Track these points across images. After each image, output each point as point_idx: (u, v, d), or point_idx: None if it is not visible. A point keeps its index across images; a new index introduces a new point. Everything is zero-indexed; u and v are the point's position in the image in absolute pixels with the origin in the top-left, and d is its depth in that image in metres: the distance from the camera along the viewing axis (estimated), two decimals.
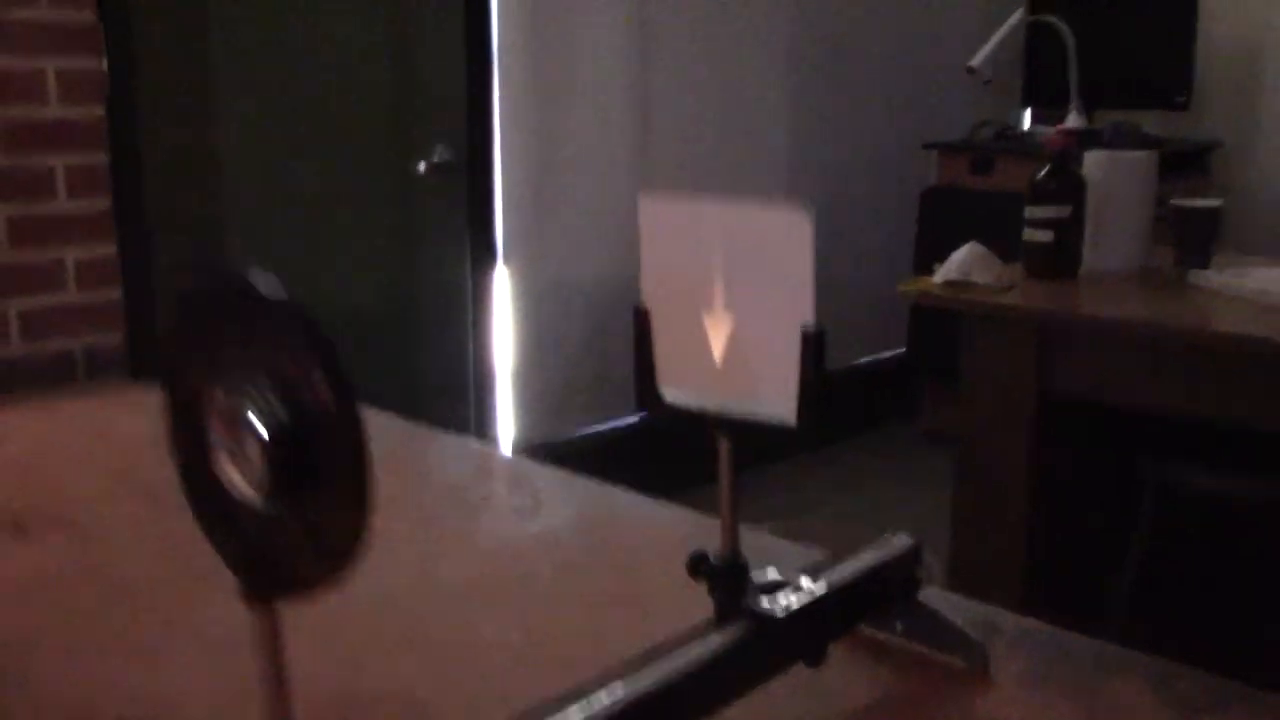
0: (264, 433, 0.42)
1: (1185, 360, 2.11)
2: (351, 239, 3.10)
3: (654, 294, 0.63)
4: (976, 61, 4.11)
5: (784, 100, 4.15)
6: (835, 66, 4.29)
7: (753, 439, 0.60)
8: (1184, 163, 4.31)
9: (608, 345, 3.65)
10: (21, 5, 2.40)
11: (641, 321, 0.64)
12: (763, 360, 0.60)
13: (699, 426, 0.63)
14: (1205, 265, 2.39)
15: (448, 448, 1.18)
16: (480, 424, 3.44)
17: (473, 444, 1.98)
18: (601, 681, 0.56)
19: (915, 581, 0.71)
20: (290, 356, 0.42)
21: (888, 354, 4.54)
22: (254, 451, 0.43)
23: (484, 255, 3.38)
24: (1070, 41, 4.08)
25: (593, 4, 3.56)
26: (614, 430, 3.66)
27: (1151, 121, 4.50)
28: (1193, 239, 2.41)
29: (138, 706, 0.69)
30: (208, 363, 0.44)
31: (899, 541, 0.71)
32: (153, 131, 2.70)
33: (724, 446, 0.63)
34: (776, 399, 0.60)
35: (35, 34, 2.43)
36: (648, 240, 0.62)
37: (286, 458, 0.42)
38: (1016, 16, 4.16)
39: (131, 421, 1.23)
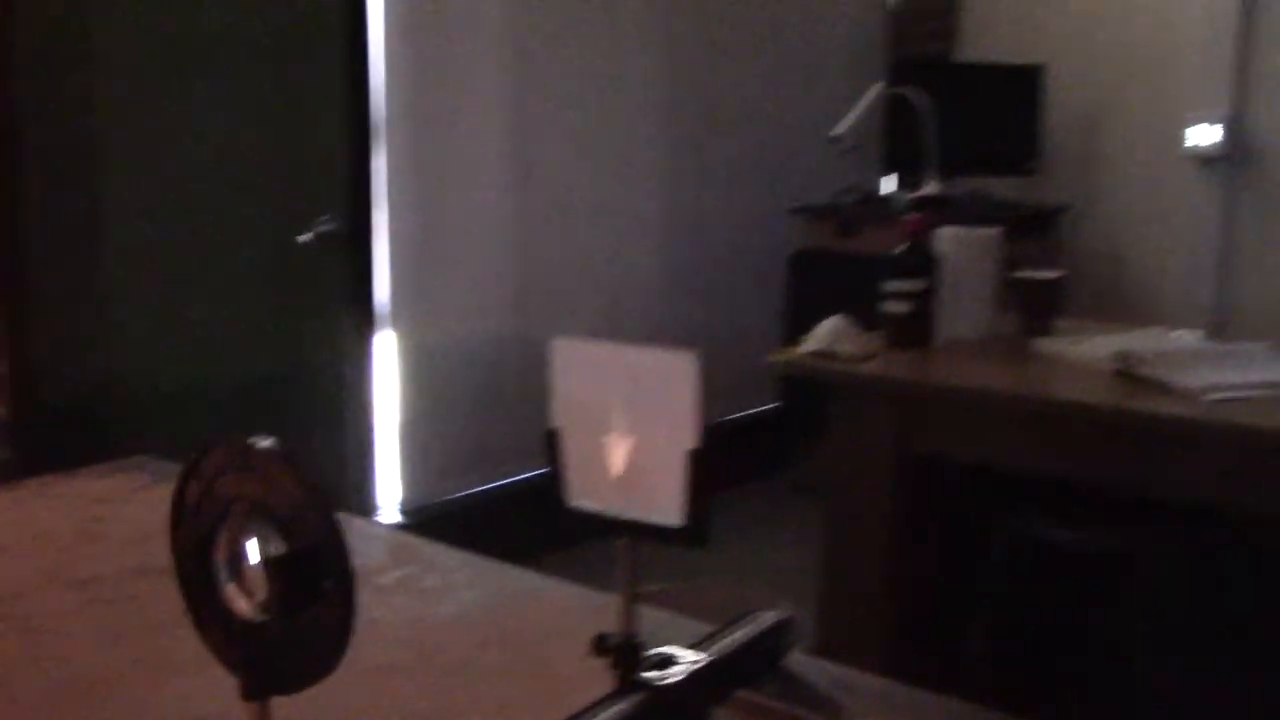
0: (264, 563, 0.53)
1: (1029, 422, 2.29)
2: (238, 307, 3.15)
3: (564, 418, 0.75)
4: (839, 130, 4.34)
5: (657, 167, 4.32)
6: (705, 135, 4.48)
7: (646, 538, 0.73)
8: (1033, 225, 4.59)
9: (492, 405, 3.74)
10: None
11: (553, 440, 0.76)
12: (655, 474, 0.72)
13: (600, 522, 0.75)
14: (1047, 332, 2.60)
15: (354, 529, 1.27)
16: (363, 488, 3.50)
17: (378, 527, 2.02)
18: None
19: (783, 650, 0.84)
20: (285, 498, 0.53)
21: (760, 409, 4.71)
22: (256, 579, 0.53)
23: (366, 321, 3.45)
24: (926, 112, 4.33)
25: (473, 80, 3.69)
26: (500, 489, 3.75)
27: (1004, 186, 4.79)
28: (1035, 308, 2.62)
29: None
30: (213, 508, 0.54)
31: (768, 617, 0.84)
32: (39, 201, 2.72)
33: (623, 545, 0.75)
34: (667, 506, 0.72)
35: None
36: (559, 374, 0.74)
37: (285, 583, 0.53)
38: (876, 89, 4.40)
39: (51, 515, 1.30)
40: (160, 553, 1.13)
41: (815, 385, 2.51)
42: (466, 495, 3.74)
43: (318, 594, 0.53)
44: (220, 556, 0.55)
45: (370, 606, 1.05)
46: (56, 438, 2.71)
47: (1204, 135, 4.62)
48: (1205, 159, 4.64)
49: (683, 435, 0.71)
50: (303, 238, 3.24)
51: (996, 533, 2.47)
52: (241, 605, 0.55)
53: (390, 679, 0.94)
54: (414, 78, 3.50)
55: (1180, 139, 4.67)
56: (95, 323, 2.89)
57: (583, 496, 0.75)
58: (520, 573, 1.12)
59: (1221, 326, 4.36)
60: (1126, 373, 2.27)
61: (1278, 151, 4.56)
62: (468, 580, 1.11)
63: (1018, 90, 4.75)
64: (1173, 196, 4.74)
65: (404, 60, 3.46)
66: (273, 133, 3.18)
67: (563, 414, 0.75)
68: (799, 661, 0.86)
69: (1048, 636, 2.53)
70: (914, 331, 2.51)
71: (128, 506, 1.31)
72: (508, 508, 3.46)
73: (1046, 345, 2.51)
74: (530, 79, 3.84)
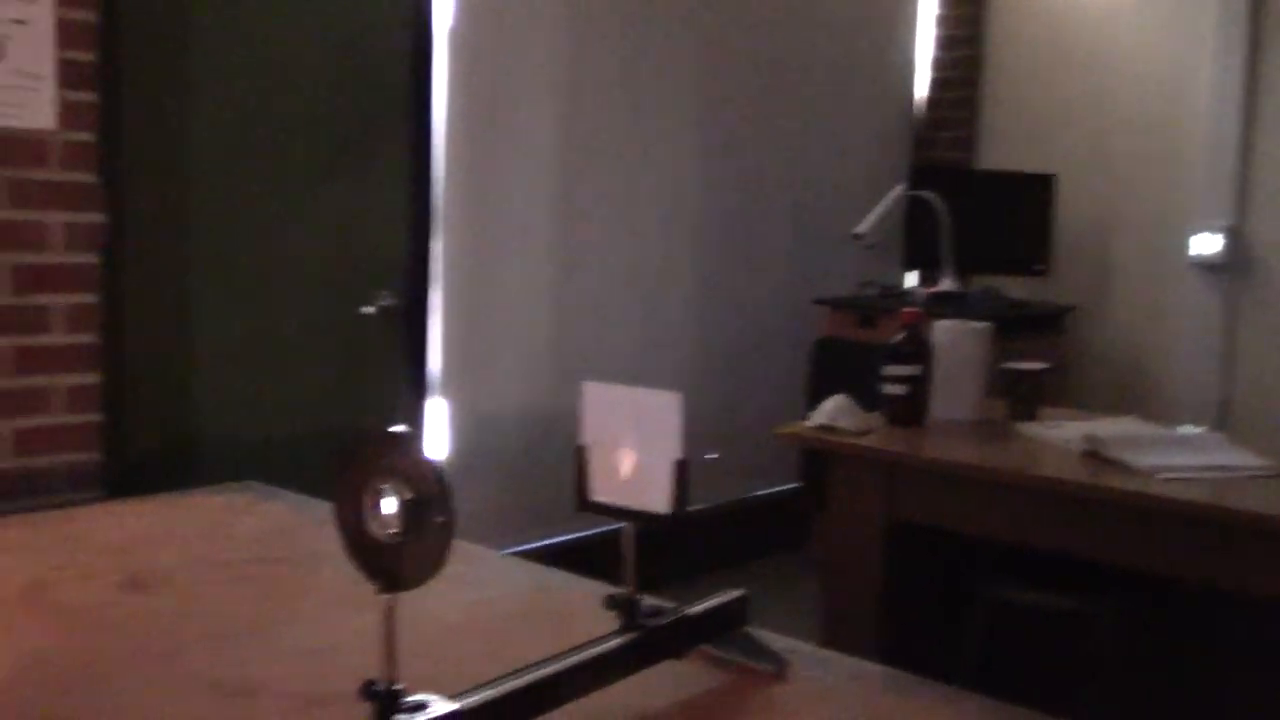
0: (398, 504, 0.85)
1: (1009, 496, 2.57)
2: (305, 372, 3.50)
3: (589, 438, 1.08)
4: (861, 228, 4.68)
5: (689, 261, 4.66)
6: (738, 229, 4.82)
7: (645, 525, 1.05)
8: (1042, 323, 4.89)
9: (534, 471, 4.06)
10: (33, 166, 2.80)
11: (581, 455, 1.08)
12: (652, 477, 1.04)
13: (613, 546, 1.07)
14: (1032, 418, 2.89)
15: None
16: None
17: None
18: (544, 661, 0.99)
19: (743, 617, 1.15)
20: (411, 462, 0.86)
21: (782, 488, 4.99)
22: (391, 513, 0.86)
23: (419, 389, 3.80)
24: (943, 214, 4.66)
25: (524, 171, 4.06)
26: (541, 549, 4.04)
27: (1016, 285, 5.09)
28: (1021, 395, 2.92)
29: (231, 685, 1.09)
30: (363, 471, 0.87)
31: (734, 593, 1.16)
32: (136, 279, 3.09)
33: (628, 528, 1.07)
34: (659, 499, 1.04)
35: (44, 191, 2.82)
36: (587, 408, 1.07)
37: (410, 517, 0.85)
38: (897, 191, 4.74)
39: (184, 519, 1.63)
40: (276, 549, 1.46)
41: (824, 459, 2.81)
42: (511, 554, 4.03)
43: (430, 525, 0.85)
44: (367, 502, 0.87)
45: (437, 587, 1.36)
46: (140, 478, 3.05)
47: (1206, 244, 4.91)
48: (1208, 266, 4.92)
49: (671, 450, 1.03)
50: (366, 310, 3.60)
51: (976, 595, 2.74)
52: (378, 533, 0.87)
53: (457, 633, 1.26)
54: (471, 167, 3.88)
55: (1184, 247, 4.97)
56: (180, 384, 3.25)
57: (599, 494, 1.08)
58: (551, 570, 1.44)
59: (1223, 421, 4.62)
60: (1094, 454, 2.56)
61: (1276, 260, 4.85)
62: (510, 572, 1.44)
63: (1031, 196, 5.06)
64: (1177, 300, 5.03)
65: (463, 151, 3.84)
66: (343, 215, 3.55)
67: (588, 435, 1.08)
68: (755, 630, 1.17)
69: (1026, 693, 2.79)
70: (908, 411, 2.81)
71: (244, 516, 1.64)
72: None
73: (1027, 429, 2.80)
74: (577, 174, 4.21)
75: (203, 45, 3.22)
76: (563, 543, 3.99)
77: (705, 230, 4.69)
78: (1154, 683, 2.76)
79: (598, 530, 4.05)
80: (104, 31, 2.87)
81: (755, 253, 4.89)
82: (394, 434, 0.87)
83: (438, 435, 3.86)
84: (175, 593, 1.33)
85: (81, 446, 2.92)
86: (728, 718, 1.06)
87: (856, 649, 1.17)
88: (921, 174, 5.06)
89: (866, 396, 2.85)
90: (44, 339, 2.84)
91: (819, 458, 2.83)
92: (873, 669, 1.18)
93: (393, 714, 0.87)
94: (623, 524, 1.07)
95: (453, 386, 3.88)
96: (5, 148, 2.71)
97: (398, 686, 0.88)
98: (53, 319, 2.85)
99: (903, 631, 2.72)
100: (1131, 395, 5.01)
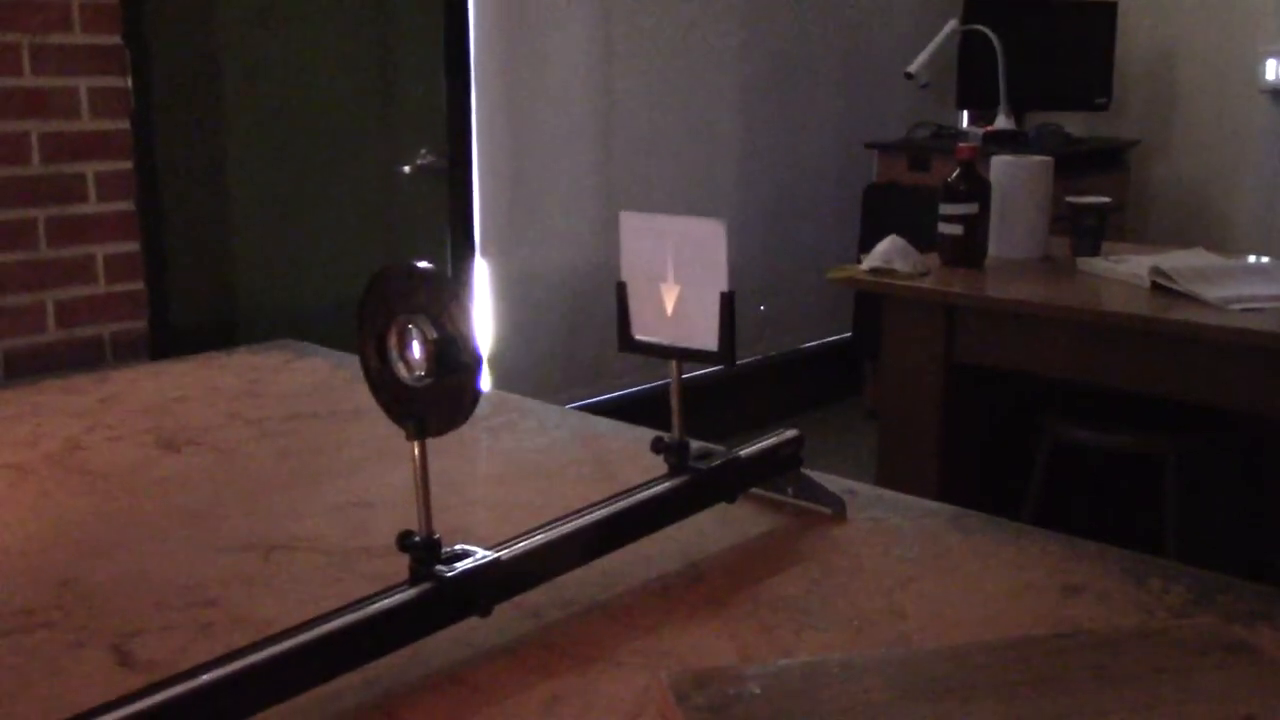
0: (424, 344, 0.79)
1: (1074, 334, 2.49)
2: (344, 234, 3.45)
3: (629, 274, 1.00)
4: (914, 67, 4.49)
5: (736, 105, 4.52)
6: (784, 72, 4.67)
7: (690, 360, 0.98)
8: (1104, 159, 4.72)
9: (578, 329, 4.01)
10: (58, 31, 2.73)
11: (621, 291, 1.01)
12: (696, 313, 0.97)
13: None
14: (1095, 253, 2.78)
15: None
16: None
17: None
18: (587, 508, 0.94)
19: (798, 459, 1.09)
20: (438, 299, 0.79)
21: (834, 338, 4.93)
22: (417, 354, 0.79)
23: (464, 249, 3.73)
24: (999, 49, 4.47)
25: (561, 22, 3.92)
26: (591, 406, 4.03)
27: (1076, 122, 4.91)
28: (1084, 231, 2.81)
29: (268, 540, 1.06)
30: (387, 309, 0.81)
31: (788, 434, 1.09)
32: (168, 142, 3.03)
33: (674, 366, 1.00)
34: (705, 336, 0.97)
35: (70, 56, 2.75)
36: (625, 240, 1.00)
37: (437, 357, 0.79)
38: (950, 26, 4.54)
39: (222, 377, 1.59)
40: (309, 405, 1.42)
41: (879, 308, 2.73)
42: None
43: (458, 365, 0.78)
44: (392, 342, 0.81)
45: (482, 439, 1.32)
46: (186, 345, 3.03)
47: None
48: None
49: (717, 282, 0.96)
50: (406, 169, 3.52)
51: (1037, 437, 2.67)
52: (405, 374, 0.81)
53: (502, 483, 1.21)
54: (506, 22, 3.75)
55: (1255, 74, 4.75)
56: (220, 248, 3.21)
57: (642, 332, 1.01)
58: (597, 418, 1.39)
59: None
60: (1162, 287, 2.46)
61: None
62: (556, 422, 1.38)
63: (1091, 26, 4.85)
64: (1247, 130, 4.83)
65: (496, 4, 3.70)
66: (378, 76, 3.45)
67: (628, 271, 1.01)
68: (811, 471, 1.11)
69: (1087, 533, 2.74)
70: (966, 251, 2.72)
71: (279, 374, 1.60)
72: None
73: (1091, 264, 2.70)
74: (613, 20, 4.06)
75: None
76: (614, 399, 3.97)
77: (751, 76, 4.54)
78: (1217, 520, 2.70)
79: (648, 386, 4.05)
80: None
81: (804, 96, 4.74)
82: (419, 269, 0.80)
83: (483, 296, 3.81)
84: (210, 451, 1.29)
85: (126, 316, 2.91)
86: (785, 558, 1.00)
87: (915, 495, 1.12)
88: (976, 7, 4.84)
89: (921, 242, 2.75)
90: (81, 208, 2.80)
91: (872, 303, 2.74)
92: (934, 506, 1.12)
93: (431, 564, 0.83)
94: (669, 362, 1.00)
95: (493, 247, 3.81)
96: (26, 13, 2.63)
97: (435, 536, 0.83)
98: (88, 188, 2.81)
99: (962, 477, 2.67)
100: (1199, 231, 4.87)
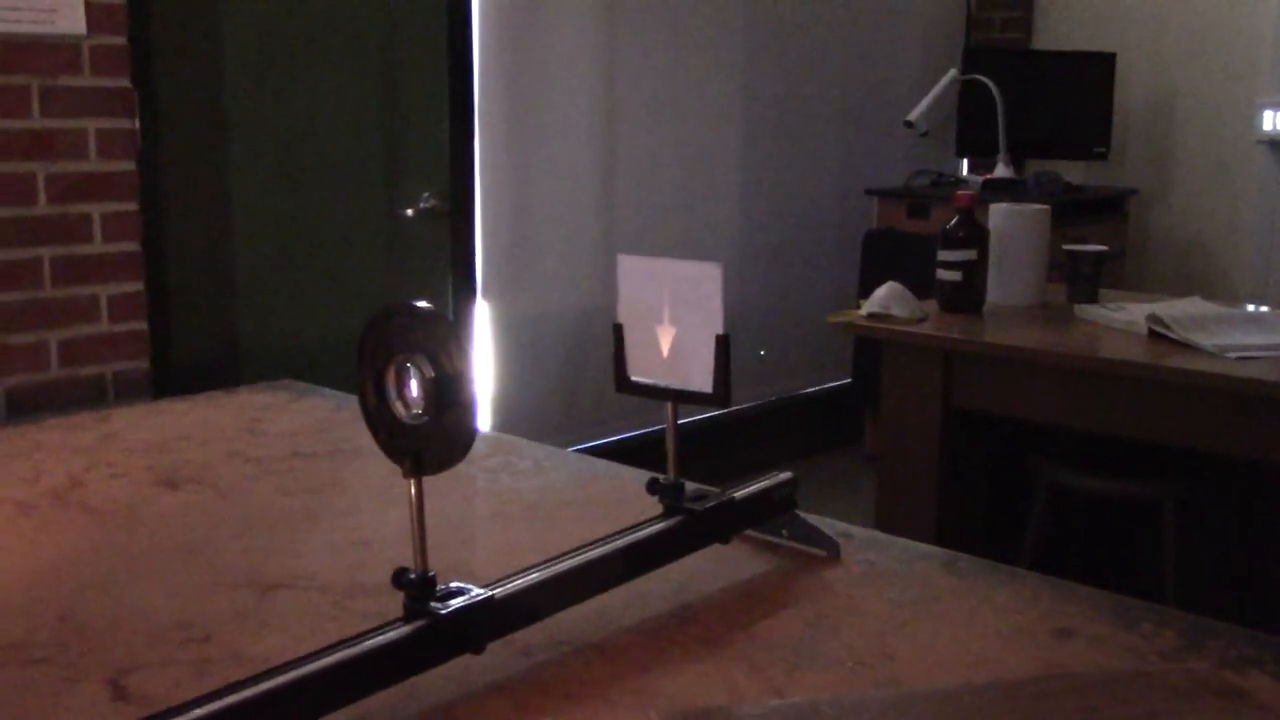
0: (421, 382, 0.80)
1: (1072, 380, 2.50)
2: (347, 276, 3.47)
3: (626, 316, 1.02)
4: (914, 116, 4.54)
5: (737, 151, 4.56)
6: (786, 119, 4.71)
7: (686, 401, 0.99)
8: (1103, 208, 4.75)
9: (578, 373, 4.03)
10: (68, 73, 2.76)
11: (618, 332, 1.02)
12: (693, 354, 0.99)
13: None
14: (1093, 300, 2.80)
15: None
16: None
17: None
18: (581, 547, 0.95)
19: (792, 501, 1.10)
20: (436, 339, 0.80)
21: (834, 384, 4.94)
22: (415, 392, 0.81)
23: (465, 291, 3.75)
24: (999, 98, 4.51)
25: (565, 69, 3.97)
26: (588, 450, 4.03)
27: (1074, 171, 4.95)
28: (1081, 278, 2.83)
29: (266, 578, 1.06)
30: (386, 349, 0.82)
31: (782, 476, 1.10)
32: (173, 183, 3.06)
33: (670, 407, 1.01)
34: (701, 378, 0.98)
35: (80, 97, 2.78)
36: (623, 283, 1.01)
37: (434, 396, 0.80)
38: (950, 75, 4.59)
39: (222, 417, 1.60)
40: (308, 444, 1.43)
41: (878, 354, 2.74)
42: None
43: (455, 404, 0.80)
44: (390, 380, 0.82)
45: (479, 479, 1.33)
46: (188, 384, 3.04)
47: (1277, 121, 4.73)
48: (1278, 144, 4.75)
49: (713, 325, 0.97)
50: (409, 212, 3.55)
51: (1037, 481, 2.68)
52: (402, 412, 0.82)
53: (497, 522, 1.22)
54: (510, 67, 3.79)
55: (1253, 125, 4.78)
56: (223, 289, 3.23)
57: (639, 373, 1.02)
58: (593, 459, 1.40)
59: None
60: (1159, 335, 2.47)
61: None
62: (552, 462, 1.39)
63: (1090, 77, 4.89)
64: (1244, 181, 4.86)
65: (501, 50, 3.75)
66: (382, 116, 3.49)
67: (625, 313, 1.02)
68: (805, 514, 1.12)
69: (1085, 577, 2.74)
70: (964, 297, 2.73)
71: (280, 413, 1.61)
72: None
73: (1088, 311, 2.71)
74: (617, 67, 4.10)
75: None
76: (611, 443, 3.97)
77: (752, 121, 4.58)
78: (1216, 568, 2.70)
79: (648, 430, 4.05)
80: None
81: (804, 143, 4.78)
82: (417, 309, 0.82)
83: (483, 338, 3.83)
84: (210, 489, 1.30)
85: (128, 355, 2.92)
86: (778, 600, 1.01)
87: (914, 538, 1.12)
88: (975, 56, 4.91)
89: (920, 288, 2.77)
90: (85, 248, 2.82)
91: (871, 350, 2.75)
92: (927, 549, 1.13)
93: (425, 602, 0.83)
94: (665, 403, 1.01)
95: (495, 290, 3.83)
96: (37, 55, 2.67)
97: (430, 573, 0.84)
98: (93, 228, 2.83)
99: (960, 521, 2.67)
100: (1196, 280, 4.89)
